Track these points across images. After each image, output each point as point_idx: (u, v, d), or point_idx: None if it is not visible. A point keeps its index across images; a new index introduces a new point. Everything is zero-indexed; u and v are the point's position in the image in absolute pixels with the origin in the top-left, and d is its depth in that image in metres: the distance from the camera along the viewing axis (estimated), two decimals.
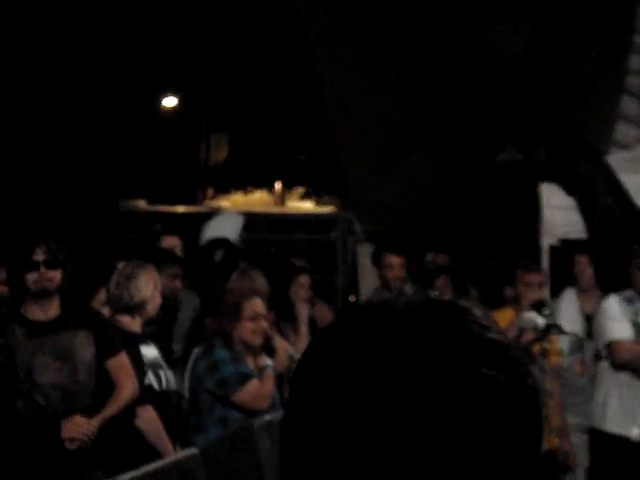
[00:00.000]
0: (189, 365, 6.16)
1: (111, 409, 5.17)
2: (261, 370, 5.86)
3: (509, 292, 7.06)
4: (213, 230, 8.63)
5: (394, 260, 7.69)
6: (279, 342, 6.59)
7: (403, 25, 8.08)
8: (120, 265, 5.81)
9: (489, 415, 1.05)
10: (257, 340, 5.94)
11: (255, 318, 5.89)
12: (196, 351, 6.07)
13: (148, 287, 5.69)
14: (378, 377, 1.06)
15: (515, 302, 6.76)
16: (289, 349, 6.71)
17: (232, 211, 9.49)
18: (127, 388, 5.26)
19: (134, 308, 5.66)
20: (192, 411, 5.79)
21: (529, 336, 6.47)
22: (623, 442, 5.82)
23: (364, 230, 10.34)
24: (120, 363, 5.31)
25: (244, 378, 5.70)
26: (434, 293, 1.19)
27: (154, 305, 5.76)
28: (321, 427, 1.08)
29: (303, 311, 7.36)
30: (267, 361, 5.95)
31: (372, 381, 1.06)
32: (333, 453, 1.07)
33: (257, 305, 5.95)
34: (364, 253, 10.14)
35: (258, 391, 5.71)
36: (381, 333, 1.09)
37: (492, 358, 1.07)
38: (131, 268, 5.72)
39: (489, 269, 8.59)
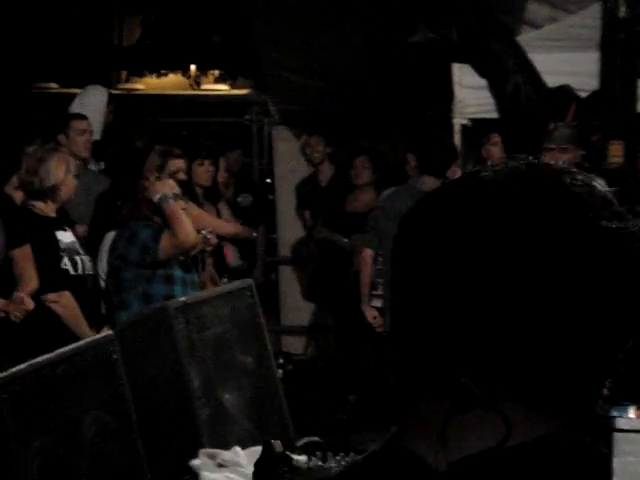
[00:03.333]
0: (104, 247, 6.19)
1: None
2: None
3: None
4: (78, 107, 8.56)
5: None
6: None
7: None
8: (30, 149, 5.77)
9: (609, 266, 1.07)
10: None
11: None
12: (112, 234, 6.09)
13: (58, 171, 5.65)
14: (497, 233, 1.06)
15: None
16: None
17: (96, 86, 9.32)
18: (28, 282, 5.30)
19: (46, 193, 5.63)
20: (114, 290, 5.86)
21: None
22: None
23: (279, 112, 10.31)
24: (23, 254, 5.31)
25: (157, 234, 5.76)
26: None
27: (67, 190, 5.73)
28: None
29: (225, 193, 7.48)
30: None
31: (491, 236, 1.06)
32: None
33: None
34: (279, 136, 10.14)
35: (177, 231, 5.72)
36: (495, 195, 1.09)
37: (609, 212, 1.09)
38: (41, 152, 5.68)
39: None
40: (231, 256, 8.01)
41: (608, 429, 2.37)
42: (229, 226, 7.67)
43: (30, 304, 5.26)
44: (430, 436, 1.07)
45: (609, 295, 1.07)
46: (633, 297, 1.09)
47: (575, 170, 1.13)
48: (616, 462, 2.09)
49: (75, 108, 8.48)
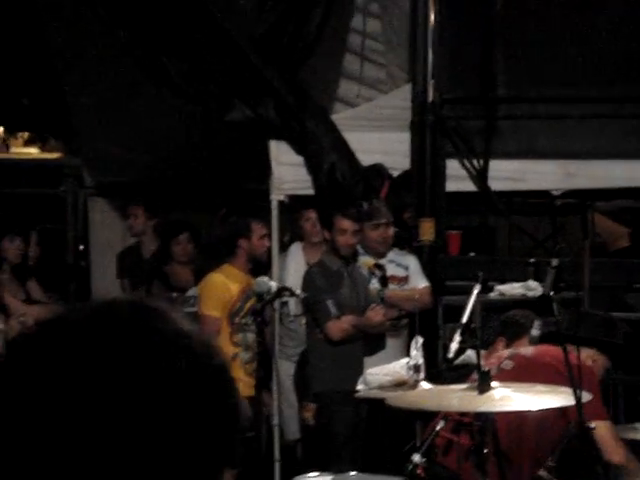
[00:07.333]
0: None
1: None
2: None
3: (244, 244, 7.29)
4: None
5: (347, 225, 7.13)
6: None
7: None
8: None
9: (178, 398, 1.17)
10: None
11: None
12: None
13: None
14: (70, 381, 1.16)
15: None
16: None
17: None
18: None
19: None
20: None
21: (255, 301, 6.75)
22: None
23: (94, 182, 10.27)
24: None
25: None
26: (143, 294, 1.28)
27: None
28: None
29: None
30: None
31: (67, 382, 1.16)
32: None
33: None
34: (95, 207, 10.09)
35: None
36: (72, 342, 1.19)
37: (175, 351, 1.19)
38: None
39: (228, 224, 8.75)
40: None
41: None
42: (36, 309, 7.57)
43: None
44: None
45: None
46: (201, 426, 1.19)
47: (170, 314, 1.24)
48: None
49: None
